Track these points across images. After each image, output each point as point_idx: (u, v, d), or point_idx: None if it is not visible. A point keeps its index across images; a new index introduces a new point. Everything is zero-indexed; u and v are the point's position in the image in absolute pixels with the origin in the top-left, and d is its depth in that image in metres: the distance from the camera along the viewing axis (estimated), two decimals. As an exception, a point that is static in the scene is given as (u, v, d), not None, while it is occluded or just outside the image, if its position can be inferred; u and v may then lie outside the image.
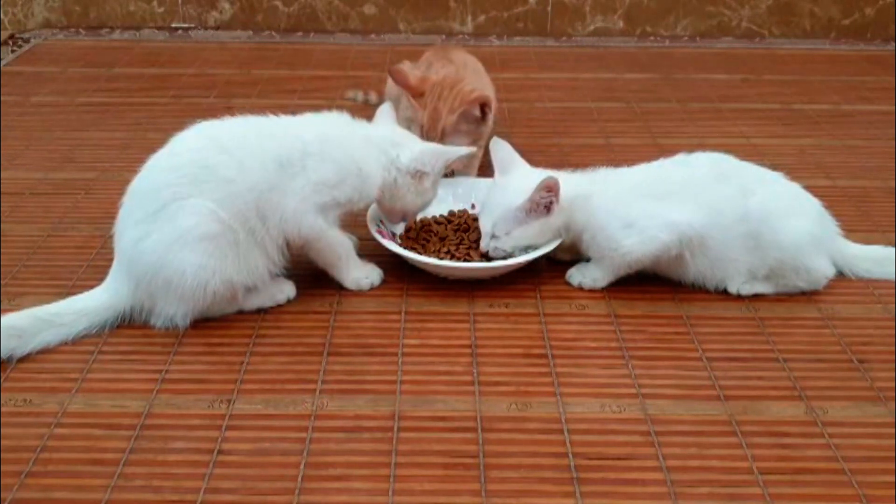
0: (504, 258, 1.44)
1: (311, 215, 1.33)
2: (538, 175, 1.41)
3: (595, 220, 1.40)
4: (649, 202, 1.38)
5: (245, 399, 1.19)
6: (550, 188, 1.38)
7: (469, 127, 1.64)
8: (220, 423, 1.14)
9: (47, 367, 1.24)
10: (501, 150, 1.49)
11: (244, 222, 1.29)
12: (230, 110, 1.44)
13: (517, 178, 1.45)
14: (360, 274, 1.44)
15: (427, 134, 1.62)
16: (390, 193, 1.44)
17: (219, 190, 1.28)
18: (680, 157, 1.46)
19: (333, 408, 1.17)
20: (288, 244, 1.35)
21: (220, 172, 1.29)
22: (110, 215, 1.35)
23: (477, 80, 1.75)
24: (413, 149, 1.44)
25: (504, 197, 1.43)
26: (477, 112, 1.62)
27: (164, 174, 1.30)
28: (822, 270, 1.41)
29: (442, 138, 1.61)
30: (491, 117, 1.66)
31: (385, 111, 1.53)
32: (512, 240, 1.43)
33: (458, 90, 1.63)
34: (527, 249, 1.44)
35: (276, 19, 2.82)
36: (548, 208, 1.39)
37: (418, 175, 1.43)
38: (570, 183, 1.42)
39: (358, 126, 1.45)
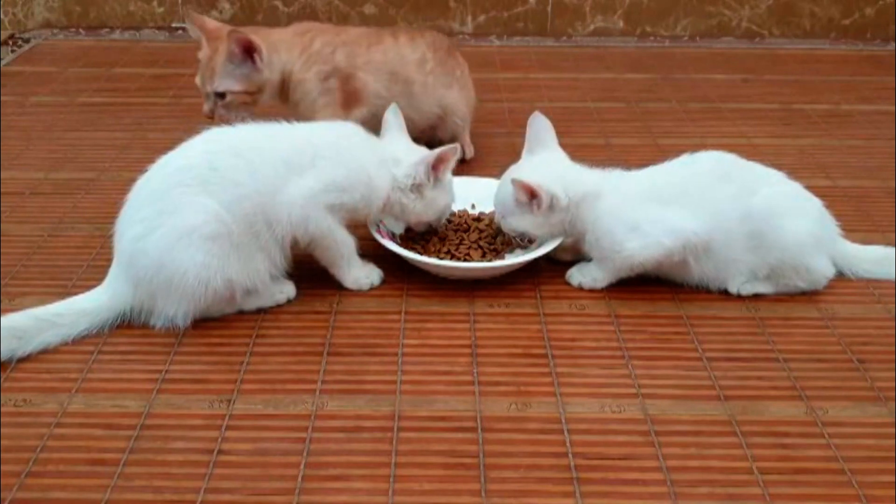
0: (520, 242, 1.48)
1: (320, 213, 1.34)
2: (552, 163, 1.42)
3: (601, 221, 1.40)
4: (655, 207, 1.38)
5: (245, 399, 1.19)
6: (530, 193, 1.38)
7: (238, 71, 1.62)
8: (220, 423, 1.14)
9: (47, 367, 1.24)
10: (534, 127, 1.49)
11: (250, 226, 1.30)
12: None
13: (530, 163, 1.45)
14: (361, 273, 1.44)
15: (202, 73, 1.65)
16: (401, 210, 1.45)
17: (227, 192, 1.28)
18: (684, 158, 1.46)
19: (333, 408, 1.17)
20: (295, 242, 1.35)
21: (230, 175, 1.30)
22: (110, 215, 1.35)
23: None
24: (407, 163, 1.44)
25: (508, 181, 1.43)
26: (235, 49, 1.60)
27: (174, 174, 1.31)
28: (823, 270, 1.41)
29: (212, 78, 1.62)
30: (263, 65, 1.63)
31: (392, 120, 1.52)
32: (507, 225, 1.45)
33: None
34: (537, 240, 1.47)
35: (276, 19, 2.83)
36: (538, 206, 1.39)
37: (416, 188, 1.43)
38: (585, 180, 1.43)
39: (369, 139, 1.46)
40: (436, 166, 1.43)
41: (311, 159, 1.35)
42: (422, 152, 1.47)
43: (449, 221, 1.58)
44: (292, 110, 1.67)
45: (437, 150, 1.43)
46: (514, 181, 1.38)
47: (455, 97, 1.85)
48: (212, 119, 1.65)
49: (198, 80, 1.66)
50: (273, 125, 1.42)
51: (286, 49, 1.69)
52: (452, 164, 1.46)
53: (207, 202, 1.27)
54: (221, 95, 1.64)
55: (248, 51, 1.61)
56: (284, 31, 1.74)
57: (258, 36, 1.64)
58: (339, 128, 1.46)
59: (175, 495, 1.03)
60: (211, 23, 1.69)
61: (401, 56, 1.77)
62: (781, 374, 1.25)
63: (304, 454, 1.09)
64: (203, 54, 1.65)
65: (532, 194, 1.38)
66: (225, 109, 1.65)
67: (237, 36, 1.60)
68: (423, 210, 1.46)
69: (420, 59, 1.78)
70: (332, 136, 1.42)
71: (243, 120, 1.59)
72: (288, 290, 1.40)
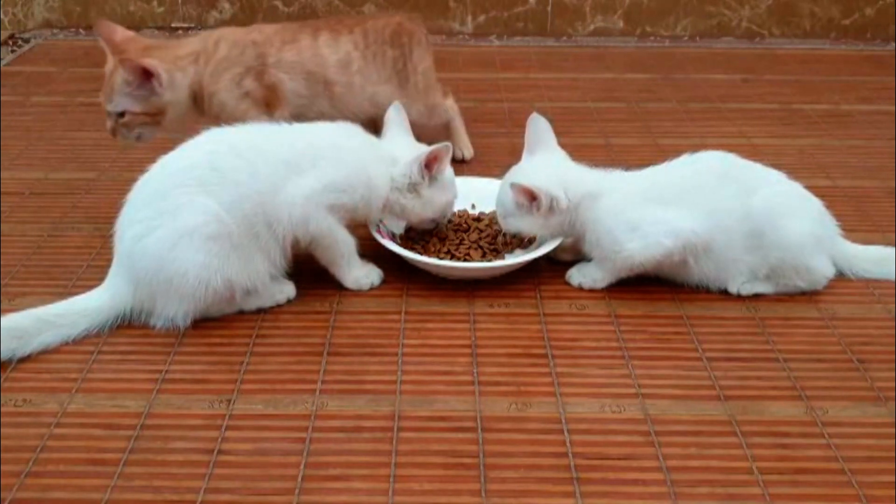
0: (520, 241, 1.49)
1: (320, 213, 1.34)
2: (553, 164, 1.43)
3: (601, 221, 1.40)
4: (655, 207, 1.38)
5: (245, 399, 1.19)
6: (530, 196, 1.38)
7: (135, 92, 1.52)
8: (220, 423, 1.14)
9: (47, 367, 1.24)
10: (532, 128, 1.48)
11: (250, 226, 1.30)
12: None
13: (531, 164, 1.46)
14: (361, 273, 1.44)
15: (103, 90, 1.55)
16: (402, 211, 1.46)
17: (227, 193, 1.29)
18: (684, 158, 1.46)
19: (333, 408, 1.17)
20: (296, 242, 1.35)
21: (231, 176, 1.30)
22: (110, 215, 1.35)
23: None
24: (403, 163, 1.43)
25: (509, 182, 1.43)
26: (128, 75, 1.50)
27: (174, 175, 1.31)
28: (823, 270, 1.41)
29: (111, 96, 1.54)
30: (163, 89, 1.52)
31: (394, 117, 1.52)
32: (508, 226, 1.45)
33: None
34: (537, 240, 1.48)
35: (276, 19, 2.82)
36: (538, 208, 1.39)
37: (412, 188, 1.43)
38: (585, 180, 1.43)
39: (368, 139, 1.46)
40: (429, 165, 1.43)
41: (311, 160, 1.35)
42: (417, 151, 1.46)
43: (449, 221, 1.58)
44: (213, 123, 1.50)
45: (429, 149, 1.43)
46: (513, 185, 1.38)
47: (391, 91, 1.72)
48: (115, 137, 1.58)
49: (101, 96, 1.56)
50: (273, 125, 1.43)
51: (192, 62, 1.59)
52: (446, 161, 1.45)
53: (208, 202, 1.27)
54: (121, 114, 1.55)
55: (146, 76, 1.51)
56: (192, 41, 1.63)
57: (161, 53, 1.56)
58: (339, 128, 1.46)
59: (175, 495, 1.03)
60: (120, 33, 1.57)
61: (318, 56, 1.66)
62: (781, 374, 1.25)
63: (304, 454, 1.09)
64: (107, 68, 1.55)
65: (532, 197, 1.38)
66: (126, 129, 1.56)
67: (130, 64, 1.50)
68: (423, 209, 1.46)
69: (342, 60, 1.68)
70: (333, 137, 1.42)
71: (139, 138, 1.55)
72: (288, 290, 1.40)
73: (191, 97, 1.60)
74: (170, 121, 1.58)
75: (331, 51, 1.68)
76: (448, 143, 1.45)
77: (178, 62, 1.57)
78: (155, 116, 1.56)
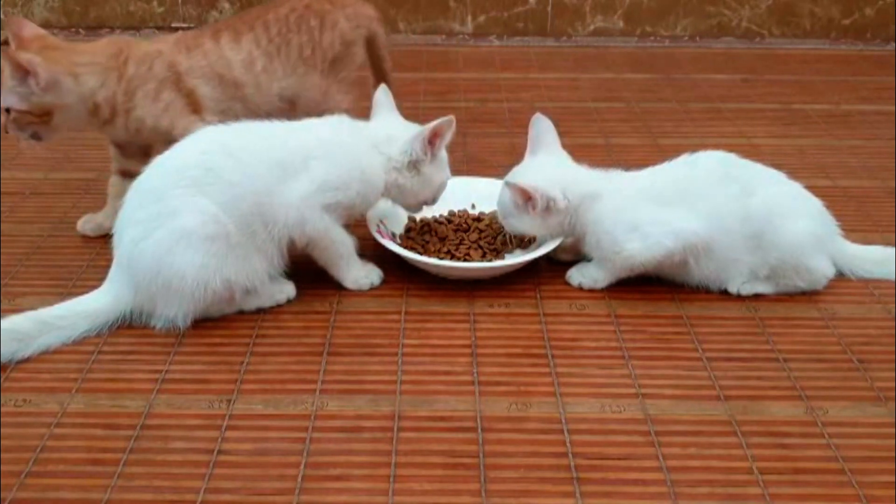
0: (520, 241, 1.49)
1: (316, 214, 1.34)
2: (552, 165, 1.43)
3: (601, 222, 1.40)
4: (655, 207, 1.38)
5: (245, 399, 1.19)
6: (526, 196, 1.38)
7: (18, 88, 1.42)
8: (220, 423, 1.14)
9: (47, 367, 1.24)
10: (536, 128, 1.48)
11: (247, 226, 1.30)
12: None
13: (531, 165, 1.46)
14: (360, 273, 1.44)
15: None
16: (399, 192, 1.45)
17: (223, 193, 1.29)
18: (684, 158, 1.46)
19: (333, 408, 1.17)
20: (292, 243, 1.35)
21: (225, 176, 1.30)
22: (110, 215, 1.36)
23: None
24: (402, 140, 1.42)
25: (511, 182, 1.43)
26: (10, 68, 1.41)
27: (169, 176, 1.31)
28: (823, 270, 1.41)
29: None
30: (39, 90, 1.41)
31: (382, 99, 1.51)
32: (508, 226, 1.45)
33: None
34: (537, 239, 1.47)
35: (276, 19, 2.82)
36: (534, 208, 1.39)
37: (412, 165, 1.43)
38: (584, 181, 1.43)
39: (359, 129, 1.45)
40: (431, 140, 1.42)
41: (303, 160, 1.34)
42: (416, 128, 1.44)
43: (449, 221, 1.58)
44: (134, 140, 1.49)
45: (432, 124, 1.41)
46: (508, 184, 1.38)
47: (296, 82, 1.65)
48: (7, 133, 1.49)
49: None
50: (264, 123, 1.42)
51: (95, 73, 1.48)
52: (448, 137, 1.44)
53: (205, 203, 1.27)
54: (8, 110, 1.45)
55: (24, 72, 1.41)
56: (100, 50, 1.51)
57: (58, 55, 1.46)
58: (328, 123, 1.44)
59: (175, 495, 1.03)
60: (29, 30, 1.49)
61: (224, 59, 1.59)
62: (781, 374, 1.25)
63: (304, 454, 1.09)
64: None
65: (527, 197, 1.38)
66: (14, 126, 1.46)
67: (8, 56, 1.41)
68: (421, 188, 1.45)
69: (246, 60, 1.60)
70: (323, 134, 1.40)
71: (34, 137, 1.48)
72: (288, 290, 1.40)
73: (87, 107, 1.48)
74: (59, 125, 1.49)
75: (234, 53, 1.60)
76: (451, 118, 1.42)
77: (74, 68, 1.46)
78: (42, 118, 1.46)
